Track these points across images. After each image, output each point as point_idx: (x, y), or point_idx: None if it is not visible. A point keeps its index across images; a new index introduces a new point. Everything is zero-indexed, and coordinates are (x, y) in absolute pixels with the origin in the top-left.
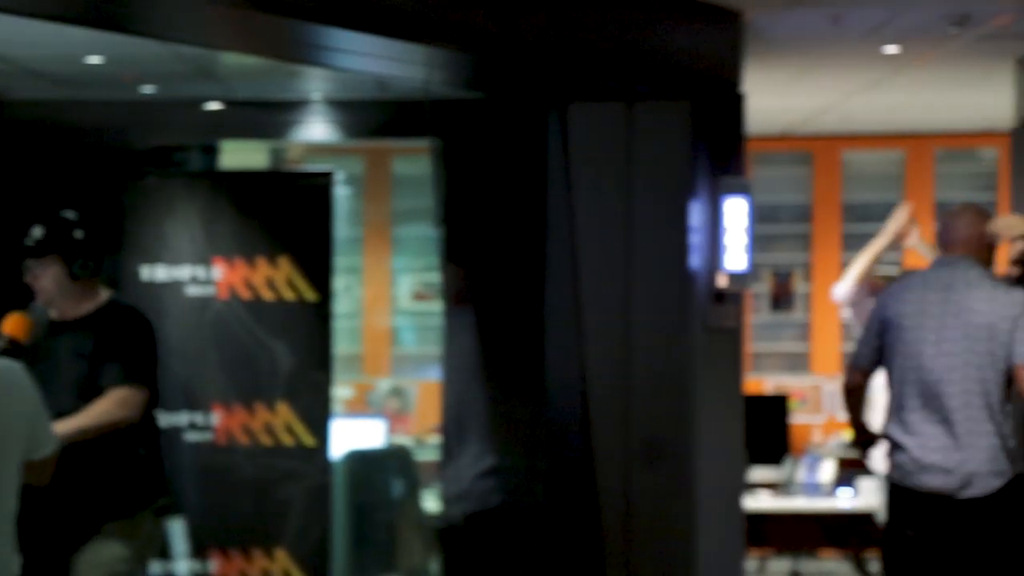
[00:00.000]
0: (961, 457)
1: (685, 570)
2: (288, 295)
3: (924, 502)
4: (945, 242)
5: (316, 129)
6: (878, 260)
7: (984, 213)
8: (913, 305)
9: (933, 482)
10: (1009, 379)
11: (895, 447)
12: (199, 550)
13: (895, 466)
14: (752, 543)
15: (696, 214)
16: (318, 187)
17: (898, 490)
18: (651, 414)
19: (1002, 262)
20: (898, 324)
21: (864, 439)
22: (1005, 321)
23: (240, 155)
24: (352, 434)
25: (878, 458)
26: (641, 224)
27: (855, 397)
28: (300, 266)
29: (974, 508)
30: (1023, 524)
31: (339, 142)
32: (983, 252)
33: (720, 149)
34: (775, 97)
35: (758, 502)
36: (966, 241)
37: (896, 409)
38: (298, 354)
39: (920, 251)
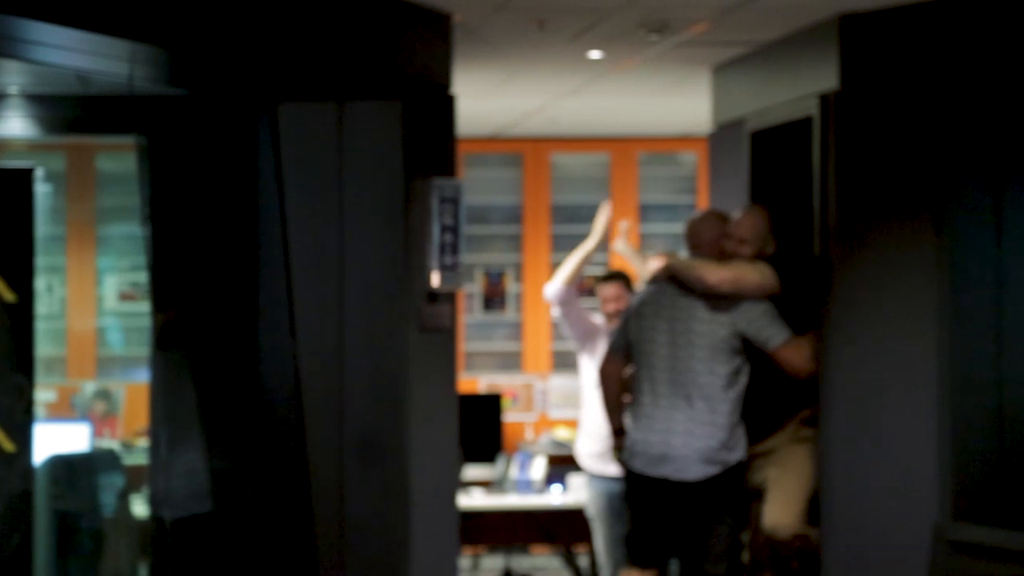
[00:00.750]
0: (681, 443)
1: (399, 568)
2: None
3: (650, 485)
4: (692, 244)
5: (13, 124)
6: (588, 261)
7: (723, 217)
8: (654, 296)
9: (656, 467)
10: (736, 371)
11: (629, 433)
12: None
13: (626, 451)
14: (466, 540)
15: (409, 214)
16: (16, 184)
17: (629, 474)
18: (366, 414)
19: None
20: (640, 316)
21: (618, 428)
22: (740, 314)
23: None
24: (55, 439)
25: (585, 455)
26: (354, 224)
27: (608, 381)
28: None
29: (693, 491)
30: (737, 507)
31: (38, 138)
32: (721, 252)
33: (432, 150)
34: (486, 99)
35: (472, 500)
36: (709, 243)
37: (633, 398)
38: None
39: (625, 255)
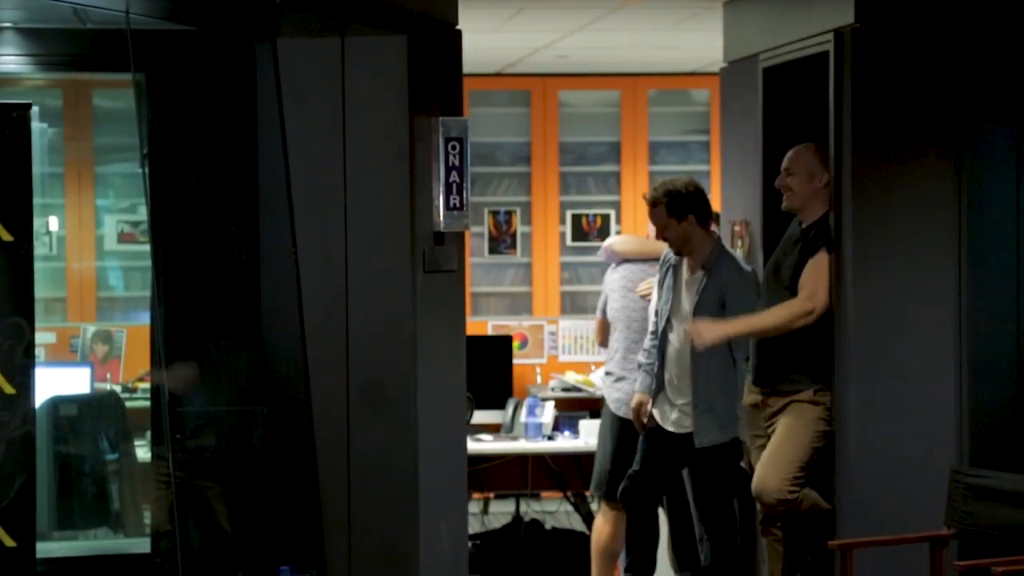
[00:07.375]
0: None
1: (408, 514)
2: None
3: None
4: None
5: (7, 60)
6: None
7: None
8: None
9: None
10: None
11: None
12: None
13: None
14: (475, 486)
15: (413, 153)
16: (12, 121)
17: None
18: (372, 357)
19: None
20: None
21: None
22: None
23: None
24: (56, 381)
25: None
26: (357, 162)
27: None
28: None
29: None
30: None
31: (34, 74)
32: None
33: (437, 87)
34: (492, 35)
35: (480, 445)
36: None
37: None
38: None
39: None
